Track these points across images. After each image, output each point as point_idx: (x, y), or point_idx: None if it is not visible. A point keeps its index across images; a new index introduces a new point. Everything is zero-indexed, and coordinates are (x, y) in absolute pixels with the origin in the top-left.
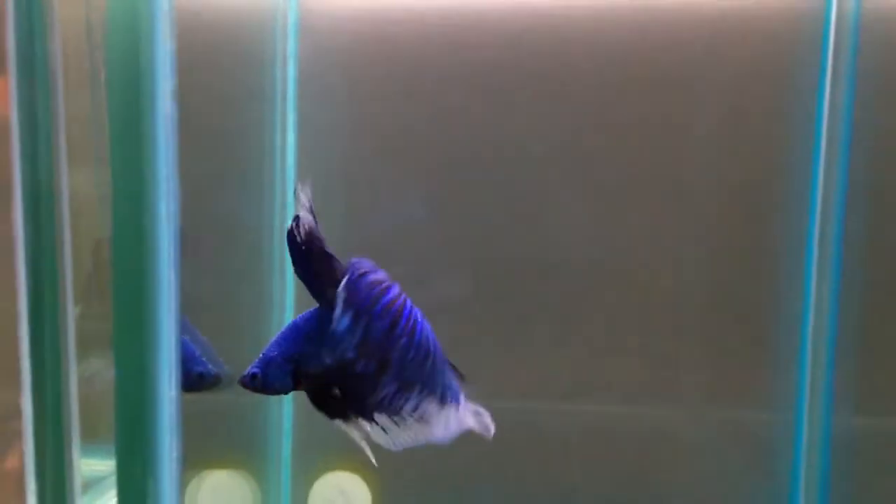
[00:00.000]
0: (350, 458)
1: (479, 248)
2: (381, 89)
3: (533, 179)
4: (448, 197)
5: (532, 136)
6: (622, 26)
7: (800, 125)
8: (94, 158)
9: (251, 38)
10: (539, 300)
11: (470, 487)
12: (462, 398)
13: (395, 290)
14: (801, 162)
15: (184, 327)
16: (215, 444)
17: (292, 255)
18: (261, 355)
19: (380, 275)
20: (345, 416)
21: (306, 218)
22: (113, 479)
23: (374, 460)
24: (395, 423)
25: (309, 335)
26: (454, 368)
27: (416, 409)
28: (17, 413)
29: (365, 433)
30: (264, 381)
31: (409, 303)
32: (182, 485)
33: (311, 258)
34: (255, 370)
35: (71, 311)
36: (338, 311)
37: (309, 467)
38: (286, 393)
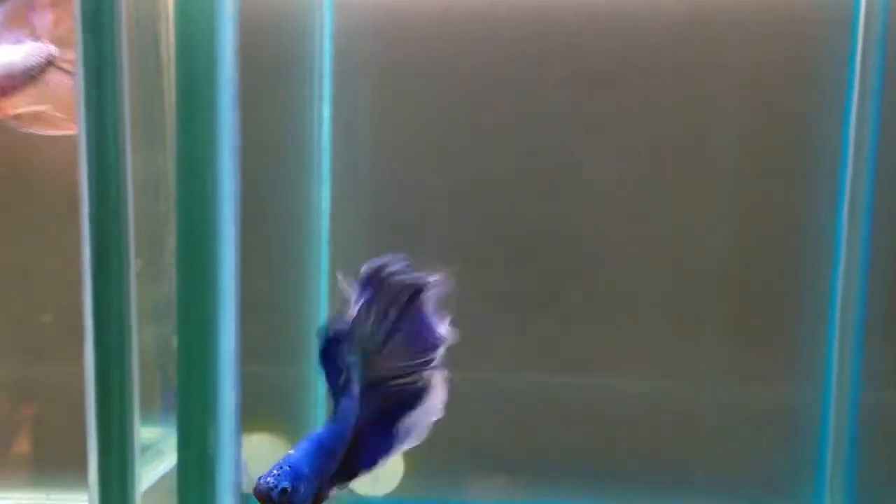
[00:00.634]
0: None
1: (506, 222)
2: (415, 66)
3: (562, 158)
4: (478, 173)
5: (561, 108)
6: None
7: (830, 97)
8: (158, 140)
9: (291, 14)
10: (562, 276)
11: (497, 461)
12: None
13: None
14: (831, 135)
15: None
16: (262, 408)
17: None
18: (287, 467)
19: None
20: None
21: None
22: (164, 447)
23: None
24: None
25: (334, 452)
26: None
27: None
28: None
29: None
30: (292, 498)
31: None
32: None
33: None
34: (287, 485)
35: (133, 282)
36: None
37: None
38: None
